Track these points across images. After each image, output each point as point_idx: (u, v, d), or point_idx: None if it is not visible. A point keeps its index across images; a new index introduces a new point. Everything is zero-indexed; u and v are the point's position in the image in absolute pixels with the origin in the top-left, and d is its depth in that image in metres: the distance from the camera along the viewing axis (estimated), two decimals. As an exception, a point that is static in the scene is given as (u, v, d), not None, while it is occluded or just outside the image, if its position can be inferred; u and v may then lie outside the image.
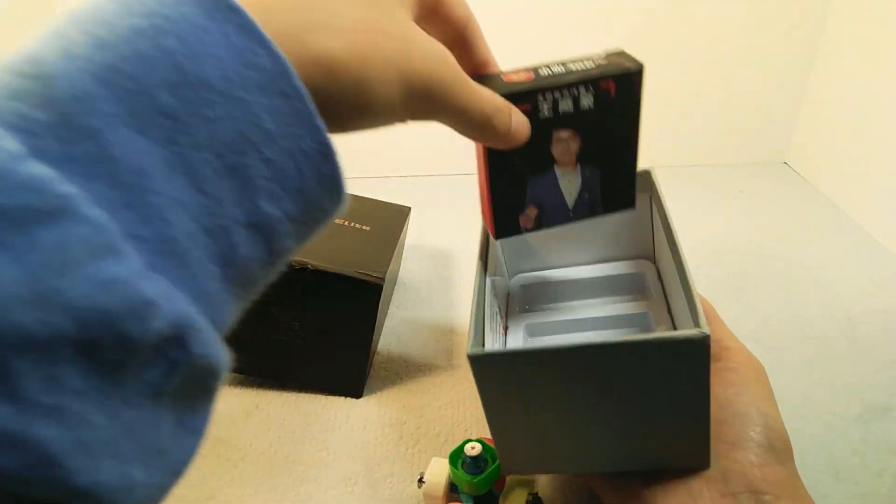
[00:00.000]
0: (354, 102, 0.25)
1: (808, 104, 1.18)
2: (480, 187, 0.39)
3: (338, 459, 0.58)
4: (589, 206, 0.41)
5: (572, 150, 0.37)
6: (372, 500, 0.54)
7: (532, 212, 0.39)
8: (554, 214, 0.40)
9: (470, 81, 0.29)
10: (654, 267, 0.57)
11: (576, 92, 0.35)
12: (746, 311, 0.78)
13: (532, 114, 0.35)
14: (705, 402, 0.41)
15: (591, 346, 0.37)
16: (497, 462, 0.48)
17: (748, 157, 1.25)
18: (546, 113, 0.35)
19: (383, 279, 0.61)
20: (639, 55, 1.35)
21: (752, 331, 0.75)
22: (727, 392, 0.46)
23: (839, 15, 1.09)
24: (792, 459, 0.45)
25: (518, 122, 0.34)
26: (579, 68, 0.36)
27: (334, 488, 0.55)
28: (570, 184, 0.39)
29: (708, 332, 0.36)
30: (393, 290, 0.83)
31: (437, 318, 0.79)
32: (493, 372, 0.39)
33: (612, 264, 0.59)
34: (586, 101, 0.36)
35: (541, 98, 0.35)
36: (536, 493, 0.52)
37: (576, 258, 0.60)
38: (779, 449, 0.44)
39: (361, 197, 0.80)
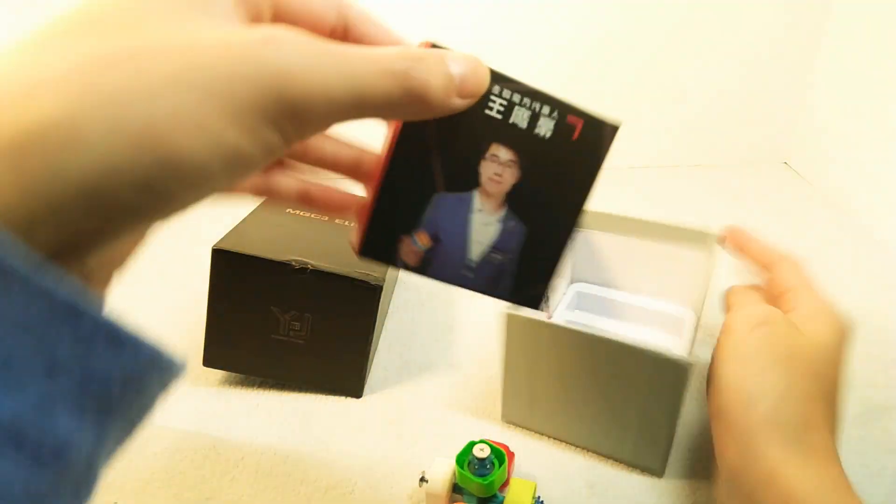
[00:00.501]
0: (149, 181, 0.17)
1: (809, 104, 1.18)
2: (372, 184, 0.29)
3: (338, 459, 0.58)
4: (494, 276, 0.30)
5: (505, 182, 0.28)
6: (372, 499, 0.54)
7: (423, 240, 0.28)
8: (448, 262, 0.29)
9: (342, 46, 0.20)
10: (696, 317, 0.65)
11: (537, 108, 0.28)
12: (746, 311, 0.78)
13: (478, 106, 0.26)
14: (673, 420, 0.49)
15: (595, 336, 0.47)
16: (504, 464, 0.48)
17: (748, 157, 1.25)
18: (495, 112, 0.27)
19: (383, 280, 0.61)
20: (639, 55, 1.34)
21: (752, 331, 0.75)
22: (711, 363, 0.45)
23: (840, 14, 1.09)
24: (781, 431, 0.37)
25: (466, 66, 0.23)
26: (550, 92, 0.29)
27: (334, 488, 0.55)
28: (483, 227, 0.29)
29: (692, 363, 0.43)
30: (393, 290, 0.83)
31: (437, 318, 0.79)
32: (516, 331, 0.50)
33: (662, 301, 0.69)
34: (544, 126, 0.28)
35: (495, 88, 0.27)
36: (539, 497, 0.52)
37: (634, 286, 0.70)
38: (750, 423, 0.39)
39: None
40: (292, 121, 0.19)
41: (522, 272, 0.30)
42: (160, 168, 0.17)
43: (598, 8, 1.11)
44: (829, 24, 1.11)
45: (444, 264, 0.29)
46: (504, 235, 0.29)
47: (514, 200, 0.29)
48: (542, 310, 0.31)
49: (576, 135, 0.29)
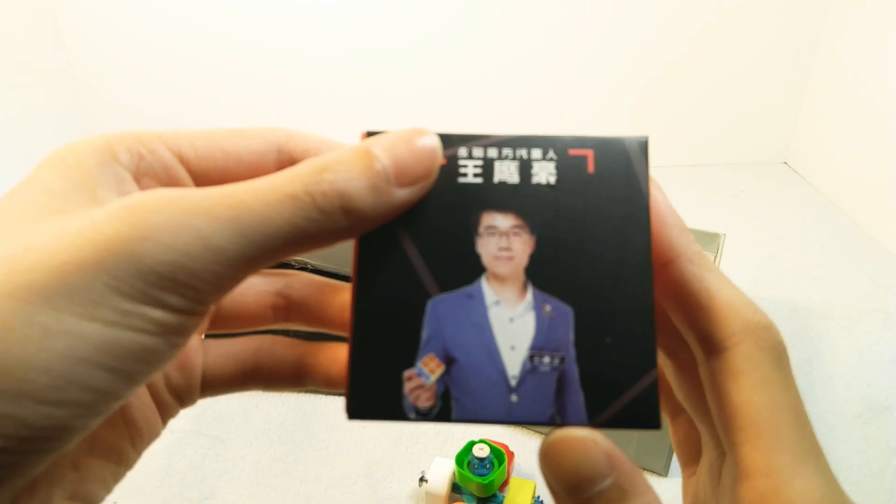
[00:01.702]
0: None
1: (808, 104, 1.18)
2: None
3: (337, 459, 0.58)
4: (553, 392, 0.21)
5: (517, 255, 0.21)
6: (371, 499, 0.54)
7: (431, 366, 0.21)
8: (477, 388, 0.21)
9: (228, 186, 0.17)
10: None
11: (523, 154, 0.22)
12: (746, 311, 0.79)
13: (445, 175, 0.21)
14: None
15: None
16: (504, 464, 0.48)
17: (748, 157, 1.25)
18: (471, 177, 0.21)
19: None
20: (639, 57, 1.33)
21: (752, 330, 0.75)
22: None
23: (838, 15, 1.09)
24: None
25: (398, 148, 0.19)
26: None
27: (334, 487, 0.55)
28: (510, 325, 0.21)
29: None
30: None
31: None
32: None
33: None
34: (543, 172, 0.22)
35: (461, 151, 0.21)
36: (539, 497, 0.52)
37: None
38: None
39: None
40: (174, 290, 0.16)
41: (593, 373, 0.21)
42: (3, 398, 0.14)
43: (597, 10, 1.11)
44: (828, 25, 1.11)
45: (471, 393, 0.21)
46: (543, 327, 0.21)
47: (540, 275, 0.21)
48: (657, 426, 0.20)
49: (590, 167, 0.22)
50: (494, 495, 0.49)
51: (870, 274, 0.87)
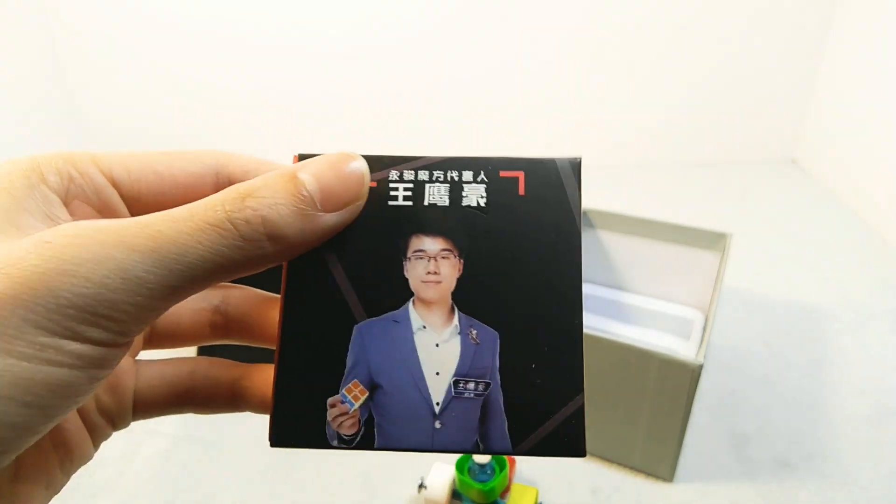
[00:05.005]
0: None
1: (817, 101, 1.17)
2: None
3: (335, 464, 0.57)
4: (477, 419, 0.20)
5: (445, 279, 0.21)
6: (370, 505, 0.53)
7: (355, 392, 0.20)
8: (401, 415, 0.20)
9: (149, 216, 0.17)
10: (704, 319, 0.63)
11: (454, 176, 0.22)
12: (755, 312, 0.77)
13: (375, 197, 0.21)
14: (682, 423, 0.48)
15: (602, 339, 0.47)
16: (505, 470, 0.47)
17: (756, 154, 1.23)
18: (401, 200, 0.21)
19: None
20: (644, 51, 1.32)
21: (759, 332, 0.73)
22: None
23: (847, 10, 1.07)
24: None
25: (324, 173, 0.18)
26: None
27: (332, 494, 0.54)
28: (435, 351, 0.21)
29: (700, 364, 0.43)
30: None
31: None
32: None
33: (670, 303, 0.69)
34: (474, 194, 0.22)
35: (392, 174, 0.21)
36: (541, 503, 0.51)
37: (642, 288, 0.70)
38: None
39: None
40: (93, 323, 0.15)
41: (518, 399, 0.20)
42: None
43: (603, 3, 1.10)
44: (837, 21, 1.10)
45: (394, 420, 0.20)
46: (468, 352, 0.21)
47: (467, 299, 0.21)
48: (582, 454, 0.20)
49: (521, 189, 0.22)
50: (495, 502, 0.48)
51: (880, 275, 0.85)
